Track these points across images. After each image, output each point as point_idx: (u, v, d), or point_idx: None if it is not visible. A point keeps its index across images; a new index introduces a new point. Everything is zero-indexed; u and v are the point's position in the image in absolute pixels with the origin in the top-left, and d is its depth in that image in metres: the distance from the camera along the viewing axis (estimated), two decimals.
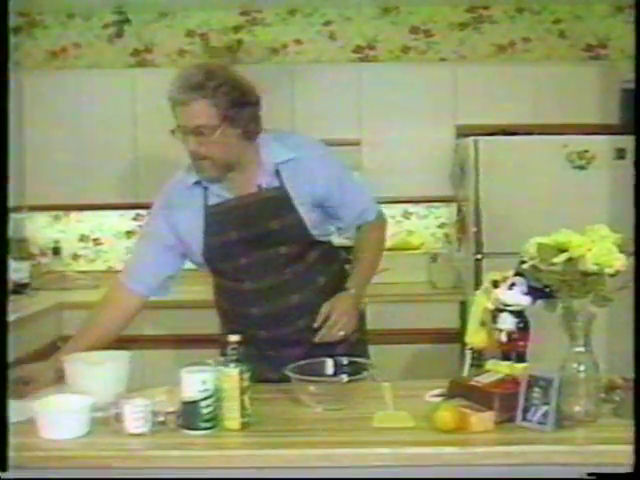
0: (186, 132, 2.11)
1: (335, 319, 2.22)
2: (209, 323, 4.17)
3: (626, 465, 1.57)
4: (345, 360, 2.06)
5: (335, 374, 2.02)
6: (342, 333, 2.23)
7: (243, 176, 2.22)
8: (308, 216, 2.23)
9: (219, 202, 2.23)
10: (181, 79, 2.12)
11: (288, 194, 2.21)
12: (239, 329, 2.23)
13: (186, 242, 2.26)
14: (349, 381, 1.93)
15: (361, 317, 2.43)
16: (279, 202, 2.21)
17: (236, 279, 2.27)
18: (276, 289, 2.25)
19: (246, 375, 1.77)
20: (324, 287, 2.30)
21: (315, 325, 2.22)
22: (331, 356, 2.09)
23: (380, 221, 2.47)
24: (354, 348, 2.31)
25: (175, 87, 2.12)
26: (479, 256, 3.98)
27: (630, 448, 1.57)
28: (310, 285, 2.28)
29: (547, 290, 1.81)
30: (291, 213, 2.21)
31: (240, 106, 2.12)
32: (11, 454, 1.58)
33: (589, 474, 1.58)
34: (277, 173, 2.22)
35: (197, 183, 2.24)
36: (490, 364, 1.99)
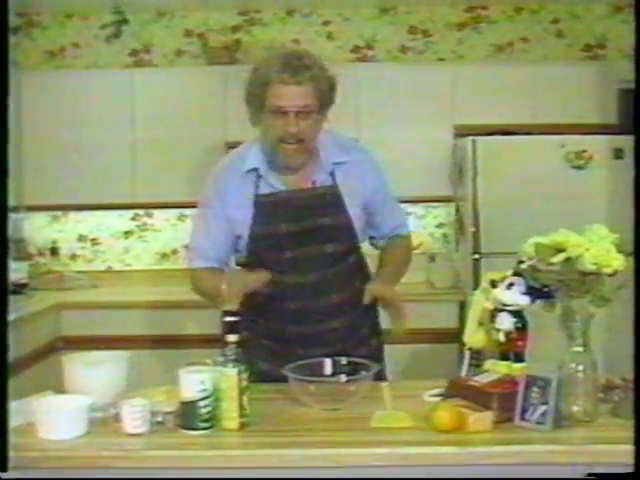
0: (285, 112, 2.12)
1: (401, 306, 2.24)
2: (208, 323, 4.18)
3: (624, 465, 1.57)
4: (344, 360, 2.06)
5: (334, 374, 2.02)
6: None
7: (300, 170, 2.24)
8: (356, 218, 2.27)
9: (271, 192, 2.24)
10: (281, 60, 2.12)
11: (341, 194, 2.25)
12: (268, 323, 2.27)
13: (237, 229, 2.26)
14: (348, 381, 1.93)
15: (378, 322, 2.45)
16: (331, 200, 2.25)
17: (279, 271, 2.24)
18: (317, 286, 2.25)
19: (245, 375, 1.77)
20: (358, 291, 2.30)
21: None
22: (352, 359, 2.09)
23: (408, 240, 2.51)
24: (375, 352, 2.36)
25: (277, 67, 2.11)
26: (477, 256, 3.98)
27: (629, 448, 1.57)
28: (348, 287, 2.30)
29: (545, 290, 1.82)
30: (341, 213, 2.25)
31: (331, 94, 2.19)
32: (10, 454, 1.58)
33: (589, 474, 1.58)
34: (331, 173, 2.26)
35: (251, 171, 2.25)
36: (488, 364, 1.99)
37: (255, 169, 2.24)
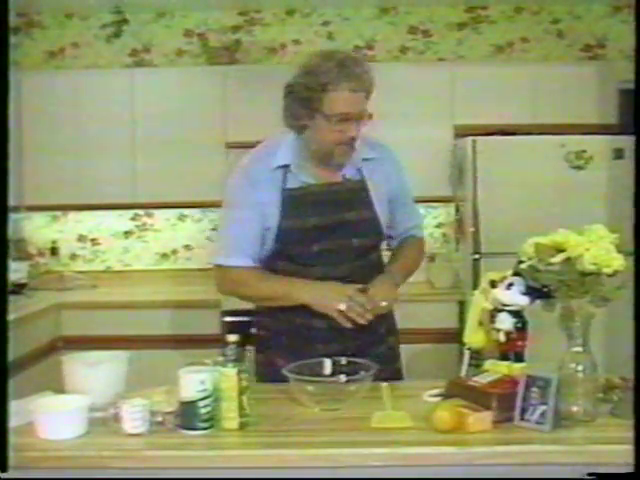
0: (351, 119, 2.14)
1: (376, 289, 2.21)
2: (207, 323, 4.19)
3: (624, 465, 1.57)
4: (343, 360, 2.05)
5: (333, 374, 2.01)
6: (384, 303, 2.20)
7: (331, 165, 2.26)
8: (382, 214, 2.29)
9: (299, 186, 2.24)
10: (341, 66, 2.10)
11: (368, 189, 2.28)
12: (291, 317, 2.28)
13: (266, 221, 2.24)
14: (347, 381, 1.93)
15: (394, 321, 2.46)
16: (359, 195, 2.27)
17: (306, 264, 2.25)
18: (343, 280, 2.24)
19: (244, 375, 1.77)
20: None
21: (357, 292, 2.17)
22: (370, 358, 2.08)
23: (422, 242, 2.52)
24: (391, 351, 2.38)
25: (337, 74, 2.09)
26: (477, 256, 3.98)
27: (628, 448, 1.57)
28: (368, 283, 2.28)
29: (545, 290, 1.81)
30: (369, 207, 2.27)
31: (372, 90, 2.19)
32: (10, 454, 1.58)
33: (589, 474, 1.58)
34: (359, 168, 2.29)
35: (280, 167, 2.24)
36: (488, 364, 1.99)
37: (285, 165, 2.24)
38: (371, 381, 1.95)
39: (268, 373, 2.26)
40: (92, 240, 4.84)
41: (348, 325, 2.14)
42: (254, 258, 2.27)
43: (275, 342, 2.32)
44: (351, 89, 2.10)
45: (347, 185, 2.27)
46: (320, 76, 2.10)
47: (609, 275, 1.74)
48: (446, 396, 1.94)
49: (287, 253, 2.26)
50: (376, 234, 2.31)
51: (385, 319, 2.37)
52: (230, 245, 2.29)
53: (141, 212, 4.80)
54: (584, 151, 3.95)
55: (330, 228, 2.23)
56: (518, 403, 1.75)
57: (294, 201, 2.23)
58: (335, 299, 2.15)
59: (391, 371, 2.30)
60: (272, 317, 2.33)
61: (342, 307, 2.13)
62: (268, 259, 2.29)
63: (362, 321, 2.13)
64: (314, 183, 2.25)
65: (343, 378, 1.95)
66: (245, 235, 2.25)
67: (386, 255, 2.46)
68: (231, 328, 3.71)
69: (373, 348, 2.27)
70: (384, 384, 2.05)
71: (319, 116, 2.13)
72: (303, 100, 2.14)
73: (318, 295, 2.18)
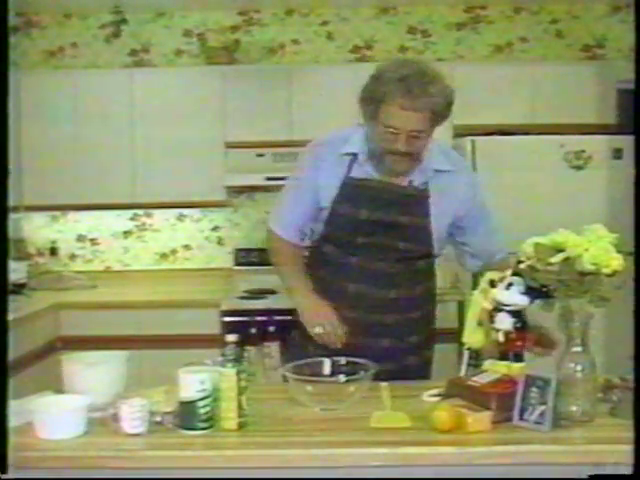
0: (399, 134, 2.14)
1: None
2: (207, 323, 4.18)
3: (623, 465, 1.57)
4: (343, 360, 2.06)
5: (333, 374, 2.02)
6: None
7: None
8: (437, 226, 2.29)
9: (362, 177, 2.27)
10: (403, 81, 2.09)
11: (429, 199, 2.27)
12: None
13: (322, 201, 2.30)
14: (346, 381, 1.93)
15: (433, 336, 2.50)
16: (418, 202, 2.27)
17: (346, 252, 2.31)
18: (379, 277, 2.29)
19: (243, 375, 1.77)
20: (419, 296, 2.37)
21: None
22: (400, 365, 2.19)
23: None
24: (422, 365, 2.42)
25: (396, 88, 2.10)
26: None
27: (628, 448, 1.57)
28: (409, 287, 2.33)
29: (544, 290, 1.81)
30: (424, 216, 2.27)
31: (447, 111, 2.17)
32: (10, 454, 1.58)
33: (590, 476, 1.58)
34: (429, 178, 2.28)
35: (349, 154, 2.28)
36: (487, 364, 1.99)
37: (353, 154, 2.28)
38: (371, 380, 1.95)
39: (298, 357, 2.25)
40: (91, 240, 4.84)
41: (329, 345, 2.24)
42: (296, 234, 2.39)
43: (305, 335, 2.33)
44: (402, 107, 2.10)
45: (409, 190, 2.28)
46: (382, 86, 2.13)
47: (608, 275, 1.74)
48: (445, 396, 1.94)
49: (334, 238, 2.33)
50: (425, 244, 2.31)
51: (423, 329, 2.41)
52: (279, 213, 2.44)
53: (140, 212, 4.80)
54: (583, 151, 3.96)
55: (379, 225, 2.26)
56: (517, 403, 1.75)
57: (352, 190, 2.27)
58: (315, 321, 2.28)
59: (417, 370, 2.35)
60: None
61: (317, 330, 2.26)
62: (317, 241, 2.38)
63: (332, 346, 2.23)
64: (377, 179, 2.27)
65: (342, 378, 1.95)
66: (294, 211, 2.37)
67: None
68: (230, 328, 3.71)
69: (404, 358, 2.32)
70: (383, 384, 2.05)
71: (377, 122, 2.17)
72: (367, 104, 2.19)
73: (306, 311, 2.31)
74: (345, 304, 2.30)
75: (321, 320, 2.27)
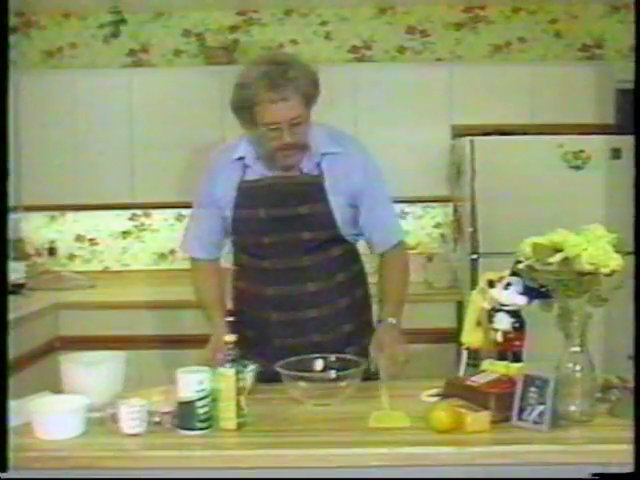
0: (281, 127, 2.15)
1: (391, 352, 2.15)
2: (206, 323, 4.17)
3: (622, 464, 1.57)
4: (333, 357, 2.09)
5: (324, 370, 2.05)
6: (403, 360, 2.16)
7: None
8: (339, 209, 2.27)
9: (255, 178, 2.29)
10: (264, 77, 2.13)
11: (324, 183, 2.27)
12: (251, 310, 2.34)
13: (224, 211, 2.33)
14: (337, 377, 1.96)
15: (369, 321, 2.44)
16: (313, 189, 2.26)
17: (257, 256, 2.32)
18: (293, 273, 2.28)
19: (246, 375, 1.77)
20: (342, 284, 2.34)
21: (372, 369, 2.12)
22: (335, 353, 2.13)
23: (404, 252, 2.46)
24: (364, 352, 2.32)
25: (261, 86, 2.13)
26: (475, 256, 3.98)
27: (626, 447, 1.58)
28: (328, 277, 2.31)
29: (543, 290, 1.82)
30: (322, 202, 2.26)
31: (316, 90, 2.21)
32: (10, 454, 1.58)
33: (594, 474, 1.58)
34: (319, 163, 2.28)
35: (239, 159, 2.31)
36: (486, 364, 1.99)
37: (242, 158, 2.31)
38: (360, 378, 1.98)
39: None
40: (90, 240, 4.84)
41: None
42: (208, 250, 2.44)
43: (241, 339, 2.29)
44: (271, 100, 2.13)
45: (303, 179, 2.28)
46: (247, 90, 2.17)
47: (607, 275, 1.74)
48: (444, 396, 1.94)
49: (241, 244, 2.36)
50: (329, 229, 2.28)
51: (354, 316, 2.37)
52: (188, 235, 2.47)
53: (139, 212, 4.80)
54: (582, 151, 3.96)
55: (281, 220, 2.26)
56: (516, 403, 1.75)
57: (249, 192, 2.29)
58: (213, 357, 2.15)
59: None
60: (239, 311, 2.41)
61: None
62: (233, 253, 2.42)
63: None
64: (270, 176, 2.29)
65: (333, 374, 1.98)
66: (200, 227, 2.42)
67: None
68: (229, 328, 3.70)
69: (340, 347, 2.24)
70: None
71: (257, 125, 2.20)
72: (242, 112, 2.22)
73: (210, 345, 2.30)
74: (268, 307, 2.30)
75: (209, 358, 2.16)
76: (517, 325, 1.93)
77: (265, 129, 2.17)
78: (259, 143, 2.26)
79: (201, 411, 1.74)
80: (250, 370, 2.02)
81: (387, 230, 2.40)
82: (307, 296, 2.29)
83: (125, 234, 4.84)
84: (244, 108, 2.19)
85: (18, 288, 4.19)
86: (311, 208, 2.26)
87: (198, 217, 2.43)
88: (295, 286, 2.29)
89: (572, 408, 1.76)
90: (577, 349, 1.78)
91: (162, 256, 4.83)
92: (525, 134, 4.10)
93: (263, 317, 2.32)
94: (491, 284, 1.97)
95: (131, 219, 4.82)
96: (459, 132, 4.26)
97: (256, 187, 2.29)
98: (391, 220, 2.43)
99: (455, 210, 4.41)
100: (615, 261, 1.74)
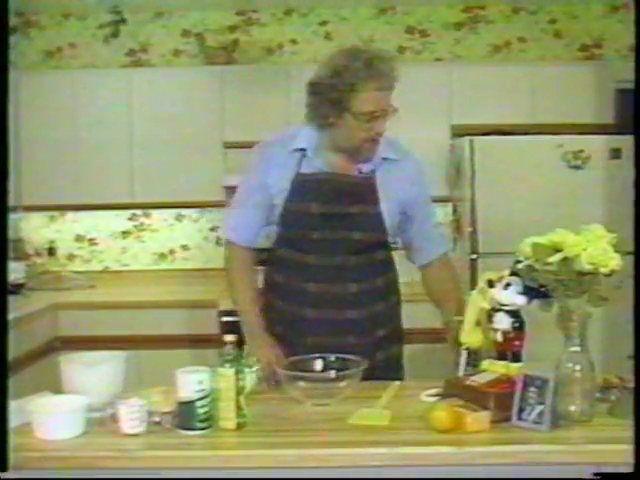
0: (378, 115, 2.16)
1: None
2: (205, 323, 4.18)
3: (622, 464, 1.57)
4: (332, 357, 2.08)
5: (324, 371, 2.05)
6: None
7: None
8: (389, 214, 2.28)
9: (312, 172, 2.27)
10: (370, 66, 2.12)
11: (378, 187, 2.27)
12: (286, 306, 2.31)
13: (274, 199, 2.29)
14: (337, 377, 1.96)
15: (400, 327, 2.47)
16: (368, 190, 2.26)
17: (302, 251, 2.29)
18: (337, 271, 2.27)
19: (242, 375, 1.77)
20: (380, 288, 2.35)
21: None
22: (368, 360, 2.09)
23: (449, 259, 2.48)
24: (392, 359, 2.39)
25: (367, 74, 2.11)
26: (474, 256, 3.98)
27: (626, 447, 1.58)
28: (369, 280, 2.31)
29: (543, 290, 1.82)
30: (375, 205, 2.26)
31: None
32: (10, 454, 1.58)
33: (595, 474, 1.58)
34: (377, 166, 2.28)
35: (298, 150, 2.28)
36: (486, 364, 1.99)
37: (302, 149, 2.28)
38: (360, 379, 1.97)
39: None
40: (90, 240, 4.84)
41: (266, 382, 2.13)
42: (250, 237, 2.35)
43: (270, 334, 2.30)
44: (378, 88, 2.13)
45: (359, 179, 2.27)
46: (348, 76, 2.11)
47: (606, 275, 1.74)
48: (444, 396, 1.94)
49: (288, 238, 2.31)
50: (379, 232, 2.29)
51: (389, 321, 2.39)
52: (231, 219, 2.41)
53: (139, 212, 4.80)
54: (581, 151, 3.96)
55: (333, 217, 2.24)
56: (515, 403, 1.75)
57: (303, 185, 2.26)
58: (256, 353, 2.17)
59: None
60: (269, 305, 2.37)
61: (257, 365, 2.13)
62: (273, 245, 2.36)
63: (267, 384, 2.11)
64: (327, 171, 2.26)
65: (333, 374, 1.98)
66: (246, 213, 2.34)
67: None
68: (229, 328, 3.69)
69: (372, 354, 2.22)
70: (396, 383, 2.07)
71: (347, 115, 2.16)
72: (331, 100, 2.16)
73: (250, 341, 2.24)
74: (307, 304, 2.28)
75: (259, 358, 2.16)
76: (517, 325, 1.93)
77: (361, 118, 2.15)
78: (344, 133, 2.20)
79: (201, 411, 1.74)
80: (254, 370, 2.03)
81: (437, 241, 2.44)
82: (348, 296, 2.28)
83: (125, 234, 4.84)
84: (337, 96, 2.13)
85: (18, 288, 4.19)
86: (363, 209, 2.25)
87: (245, 204, 2.35)
88: (337, 285, 2.27)
89: (572, 408, 1.76)
90: (577, 349, 1.78)
91: (162, 256, 4.83)
92: (525, 134, 4.10)
93: (299, 313, 2.29)
94: (491, 284, 1.97)
95: (131, 219, 4.82)
96: (459, 132, 4.26)
97: (311, 181, 2.26)
98: (439, 231, 2.48)
99: (454, 210, 4.40)
100: (615, 261, 1.74)
